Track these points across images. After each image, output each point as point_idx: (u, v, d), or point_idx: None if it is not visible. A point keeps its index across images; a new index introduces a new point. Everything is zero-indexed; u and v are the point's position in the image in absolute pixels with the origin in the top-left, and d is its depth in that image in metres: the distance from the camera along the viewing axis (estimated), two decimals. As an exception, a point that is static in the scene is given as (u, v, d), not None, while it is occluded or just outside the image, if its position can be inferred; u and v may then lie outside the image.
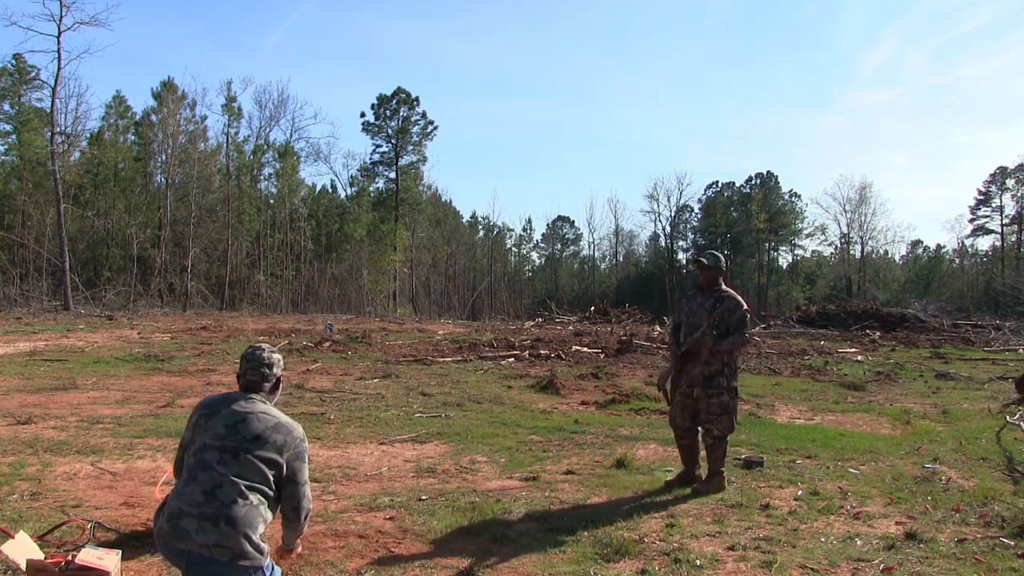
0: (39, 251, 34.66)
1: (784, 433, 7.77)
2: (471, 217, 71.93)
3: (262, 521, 2.85)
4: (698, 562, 3.90)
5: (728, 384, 5.35)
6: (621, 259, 73.90)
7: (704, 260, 5.57)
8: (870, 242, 62.89)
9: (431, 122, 52.64)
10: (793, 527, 4.53)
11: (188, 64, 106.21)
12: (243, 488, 2.84)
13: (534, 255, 78.18)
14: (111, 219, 39.66)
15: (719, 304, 5.37)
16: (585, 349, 16.51)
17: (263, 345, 3.25)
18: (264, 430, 2.97)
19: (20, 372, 10.93)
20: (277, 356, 3.24)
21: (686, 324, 5.53)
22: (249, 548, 2.76)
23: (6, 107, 38.94)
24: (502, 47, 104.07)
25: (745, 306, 5.41)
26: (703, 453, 5.52)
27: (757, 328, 27.73)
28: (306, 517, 3.11)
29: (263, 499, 2.90)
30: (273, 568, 2.91)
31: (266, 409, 3.07)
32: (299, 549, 3.30)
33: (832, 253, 69.27)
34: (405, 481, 5.57)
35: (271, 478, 2.95)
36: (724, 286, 5.53)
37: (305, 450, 3.07)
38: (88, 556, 3.35)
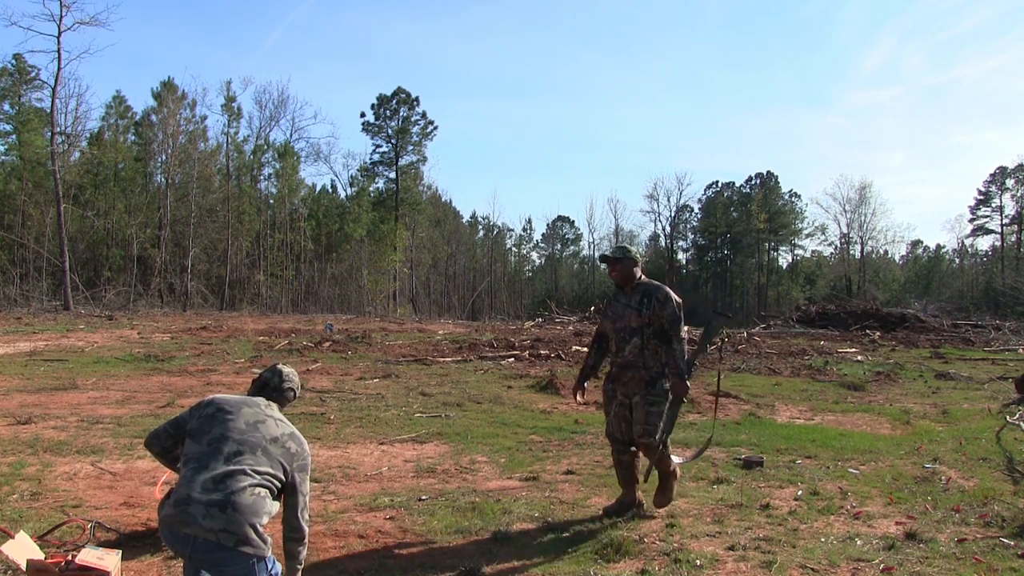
0: (39, 251, 34.64)
1: (784, 433, 7.77)
2: (471, 217, 71.99)
3: (267, 513, 2.94)
4: (698, 562, 3.90)
5: (667, 389, 4.64)
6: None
7: (609, 254, 4.85)
8: (870, 242, 62.91)
9: (431, 122, 52.70)
10: (793, 527, 4.53)
11: (188, 64, 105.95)
12: (253, 479, 2.94)
13: (534, 255, 78.20)
14: (111, 219, 39.64)
15: (647, 299, 4.66)
16: (585, 349, 16.49)
17: (290, 367, 3.59)
18: (281, 435, 3.16)
19: (20, 372, 10.93)
20: (299, 379, 3.61)
21: (613, 330, 4.83)
22: (254, 536, 2.83)
23: (6, 107, 38.94)
24: (502, 47, 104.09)
25: (676, 298, 4.69)
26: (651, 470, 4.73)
27: (757, 328, 27.74)
28: (305, 535, 3.21)
29: (270, 493, 2.99)
30: (275, 562, 2.95)
31: (283, 418, 3.30)
32: None
33: (832, 253, 69.30)
34: (405, 481, 5.57)
35: (279, 479, 3.07)
36: (646, 278, 4.83)
37: (309, 464, 3.24)
38: (88, 556, 3.35)
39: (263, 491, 2.94)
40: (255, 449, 3.02)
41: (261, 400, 3.29)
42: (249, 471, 2.94)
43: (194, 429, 3.10)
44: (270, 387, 3.41)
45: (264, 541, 2.86)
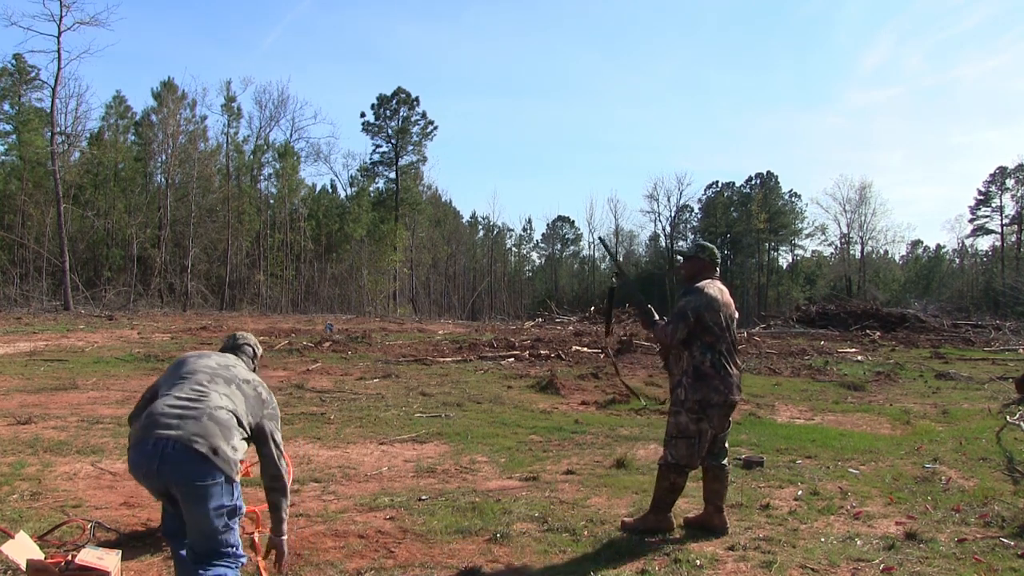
0: (39, 251, 34.64)
1: (784, 433, 7.77)
2: (471, 217, 72.01)
3: (237, 442, 2.96)
4: (698, 562, 3.90)
5: (688, 398, 4.31)
6: (621, 259, 73.90)
7: (683, 249, 4.90)
8: (870, 242, 62.90)
9: (431, 122, 52.75)
10: (793, 527, 4.53)
11: (188, 64, 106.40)
12: (224, 403, 3.01)
13: (534, 255, 78.22)
14: (111, 219, 39.65)
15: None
16: (585, 349, 16.51)
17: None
18: (252, 379, 3.32)
19: (20, 372, 10.93)
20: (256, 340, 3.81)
21: None
22: (225, 449, 2.84)
23: (6, 107, 38.95)
24: (502, 47, 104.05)
25: (691, 297, 4.38)
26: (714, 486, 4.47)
27: (757, 328, 27.73)
28: (286, 484, 3.30)
29: (239, 428, 3.03)
30: (241, 496, 2.97)
31: (251, 370, 3.51)
32: (286, 548, 3.41)
33: (832, 253, 69.30)
34: (405, 481, 5.57)
35: (249, 420, 3.12)
36: (708, 280, 4.53)
37: (278, 416, 3.35)
38: (88, 556, 3.35)
39: (233, 419, 3.00)
40: (229, 383, 3.14)
41: (230, 355, 3.50)
42: (222, 395, 3.04)
43: (165, 378, 3.21)
44: (229, 346, 3.66)
45: (233, 463, 2.87)
